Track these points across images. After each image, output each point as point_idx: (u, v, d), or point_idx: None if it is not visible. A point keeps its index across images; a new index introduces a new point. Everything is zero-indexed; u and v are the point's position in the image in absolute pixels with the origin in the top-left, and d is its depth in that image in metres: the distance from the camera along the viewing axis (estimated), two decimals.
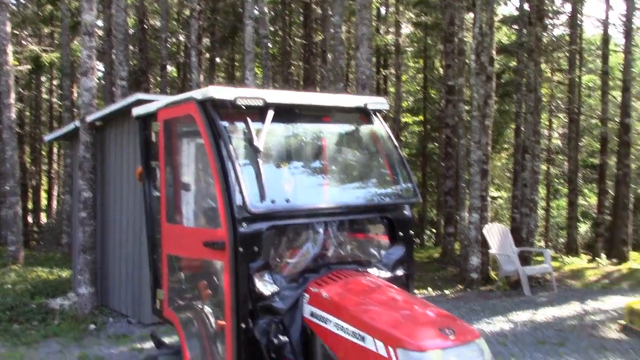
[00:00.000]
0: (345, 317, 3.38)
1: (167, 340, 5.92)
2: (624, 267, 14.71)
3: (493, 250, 11.53)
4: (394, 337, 3.10)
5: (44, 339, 8.06)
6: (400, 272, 4.13)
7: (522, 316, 9.02)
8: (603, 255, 16.30)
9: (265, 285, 3.57)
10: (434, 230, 24.91)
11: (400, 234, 4.15)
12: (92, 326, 8.42)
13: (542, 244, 24.21)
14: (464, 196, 13.82)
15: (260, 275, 3.58)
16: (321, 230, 3.92)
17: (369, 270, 3.98)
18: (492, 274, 12.33)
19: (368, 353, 3.20)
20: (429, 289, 11.70)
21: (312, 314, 3.57)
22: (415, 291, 11.49)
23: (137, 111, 4.56)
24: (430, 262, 15.37)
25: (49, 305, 9.36)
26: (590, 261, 16.20)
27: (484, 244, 11.85)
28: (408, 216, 4.20)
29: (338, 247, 4.00)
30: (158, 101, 4.30)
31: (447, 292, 11.37)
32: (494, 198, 25.54)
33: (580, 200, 27.04)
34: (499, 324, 8.57)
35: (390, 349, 3.09)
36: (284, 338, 3.46)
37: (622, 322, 8.33)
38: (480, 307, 9.78)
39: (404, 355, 3.03)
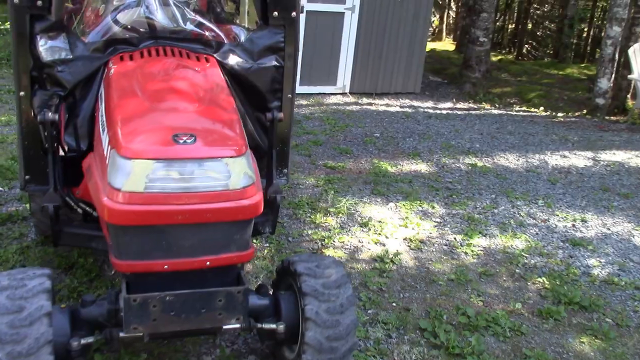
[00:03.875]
0: (107, 103, 2.68)
1: None
2: None
3: (635, 75, 9.37)
4: (115, 136, 2.37)
5: None
6: (269, 63, 3.18)
7: (617, 156, 7.37)
8: None
9: (50, 50, 2.90)
10: None
11: (275, 13, 3.13)
12: None
13: None
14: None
15: (50, 38, 2.90)
16: None
17: (216, 54, 3.09)
18: (630, 103, 10.19)
19: (99, 148, 2.55)
20: (541, 108, 10.06)
21: (101, 93, 2.90)
22: (524, 109, 10.00)
23: None
24: (580, 80, 13.15)
25: None
26: None
27: (628, 67, 9.68)
28: None
29: (175, 20, 3.11)
30: None
31: (559, 114, 9.69)
32: None
33: None
34: (575, 159, 7.10)
35: (109, 149, 2.40)
36: (54, 115, 2.84)
37: None
38: (577, 137, 8.18)
39: (113, 158, 2.32)
